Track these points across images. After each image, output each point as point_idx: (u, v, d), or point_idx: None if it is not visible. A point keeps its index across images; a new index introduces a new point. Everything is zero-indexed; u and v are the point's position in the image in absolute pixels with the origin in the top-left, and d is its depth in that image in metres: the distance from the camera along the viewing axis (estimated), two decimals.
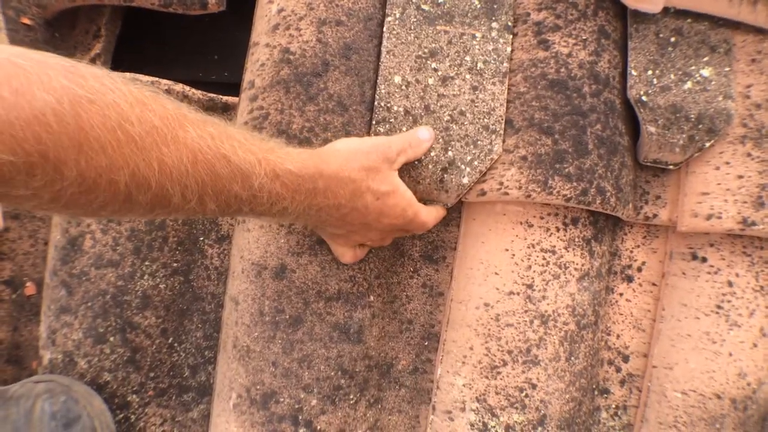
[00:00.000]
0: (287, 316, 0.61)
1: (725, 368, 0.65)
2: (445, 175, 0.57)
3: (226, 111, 0.68)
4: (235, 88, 0.71)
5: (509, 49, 0.59)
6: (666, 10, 0.64)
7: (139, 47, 0.78)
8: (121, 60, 0.76)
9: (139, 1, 0.67)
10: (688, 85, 0.62)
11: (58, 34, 0.74)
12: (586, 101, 0.60)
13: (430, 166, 0.57)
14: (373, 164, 0.50)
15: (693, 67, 0.63)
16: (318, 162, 0.46)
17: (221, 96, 0.68)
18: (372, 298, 0.64)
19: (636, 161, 0.64)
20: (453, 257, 0.65)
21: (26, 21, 0.74)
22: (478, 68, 0.58)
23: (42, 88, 0.30)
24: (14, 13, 0.74)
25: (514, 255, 0.61)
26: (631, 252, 0.68)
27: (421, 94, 0.57)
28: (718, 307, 0.65)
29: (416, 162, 0.57)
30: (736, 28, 0.67)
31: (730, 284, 0.65)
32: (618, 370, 0.68)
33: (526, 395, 0.60)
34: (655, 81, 0.62)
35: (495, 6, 0.59)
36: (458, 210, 0.65)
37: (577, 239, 0.61)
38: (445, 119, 0.57)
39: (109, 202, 0.35)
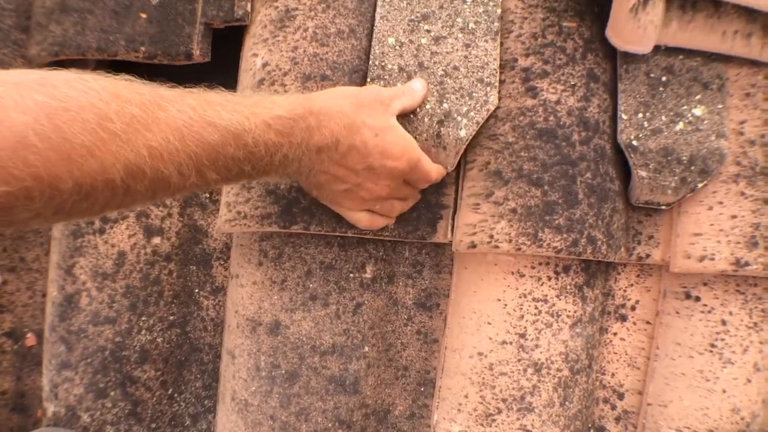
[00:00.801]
0: (283, 371, 0.62)
1: (719, 405, 0.66)
2: (442, 129, 0.57)
3: None
4: None
5: (499, 10, 0.60)
6: (657, 48, 0.63)
7: None
8: None
9: (123, 55, 0.67)
10: (680, 126, 0.62)
11: None
12: (576, 149, 0.60)
13: (426, 119, 0.57)
14: (365, 101, 0.50)
15: (685, 107, 0.63)
16: (305, 101, 0.46)
17: None
18: (367, 348, 0.65)
19: (628, 202, 0.65)
20: (446, 304, 0.66)
21: None
22: (469, 28, 0.59)
23: (18, 110, 0.31)
24: (0, 65, 0.74)
25: (506, 305, 0.62)
26: (625, 291, 0.68)
27: (415, 52, 0.59)
28: (712, 345, 0.65)
29: (411, 116, 0.57)
30: (729, 60, 0.66)
31: (723, 323, 0.65)
32: (613, 407, 0.69)
33: None
34: (645, 124, 0.61)
35: None
36: (450, 258, 0.65)
37: (569, 287, 0.62)
38: (439, 74, 0.58)
39: (110, 199, 0.36)
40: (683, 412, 0.66)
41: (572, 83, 0.61)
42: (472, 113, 0.57)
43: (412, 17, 0.60)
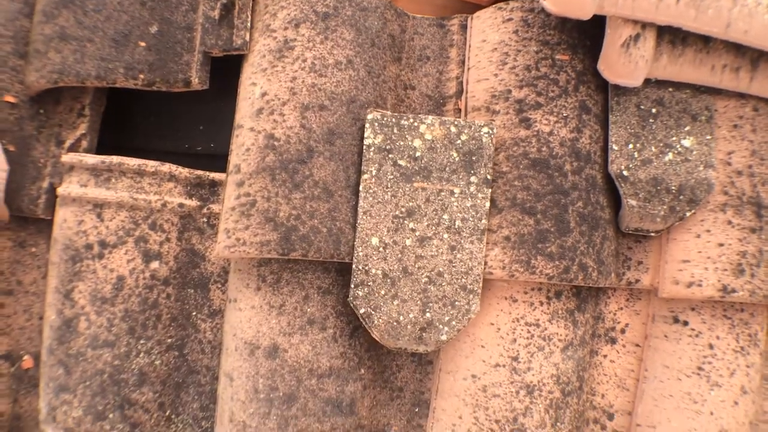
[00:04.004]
0: (281, 394, 0.67)
1: (706, 427, 0.71)
2: (424, 334, 0.63)
3: (214, 187, 0.73)
4: (221, 159, 0.75)
5: (487, 204, 0.63)
6: (647, 81, 0.69)
7: (125, 119, 0.82)
8: (107, 131, 0.80)
9: (122, 83, 0.72)
10: (669, 156, 0.67)
11: (43, 110, 0.78)
12: (568, 179, 0.65)
13: (408, 327, 0.63)
14: None
15: (674, 138, 0.68)
16: None
17: (208, 173, 0.73)
18: (363, 371, 0.69)
19: (618, 229, 0.70)
20: None
21: (9, 99, 0.78)
22: (456, 227, 0.63)
23: None
24: None
25: (499, 329, 0.67)
26: (615, 314, 0.74)
27: (399, 255, 0.62)
28: (700, 368, 0.71)
29: (395, 323, 0.63)
30: (718, 93, 0.72)
31: (711, 347, 0.71)
32: (603, 428, 0.74)
33: None
34: (636, 155, 0.67)
35: (474, 158, 0.64)
36: None
37: (560, 311, 0.67)
38: (423, 281, 0.63)
39: None
40: None
41: (565, 115, 0.66)
42: (453, 322, 0.63)
43: (397, 213, 0.63)
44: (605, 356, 0.74)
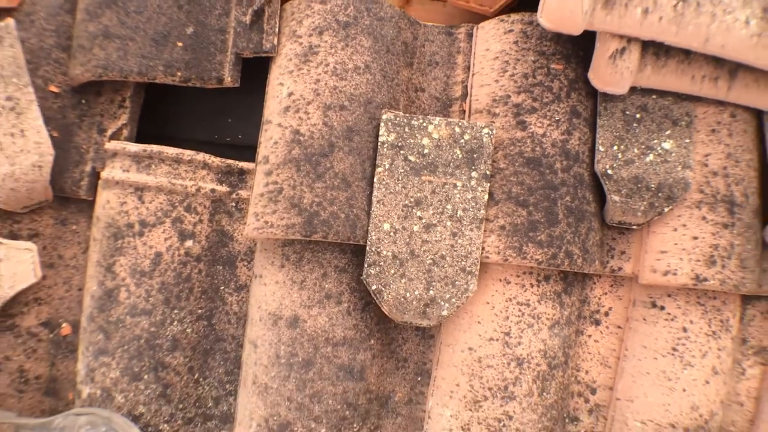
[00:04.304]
0: (300, 359, 0.78)
1: (679, 402, 0.81)
2: (427, 309, 0.73)
3: (242, 175, 0.84)
4: (248, 150, 0.85)
5: (486, 196, 0.73)
6: (633, 89, 0.78)
7: (161, 110, 0.92)
8: (145, 121, 0.91)
9: (161, 79, 0.82)
10: (650, 157, 0.77)
11: (84, 100, 0.88)
12: (558, 176, 0.75)
13: (414, 303, 0.73)
14: None
15: (655, 141, 0.78)
16: None
17: (237, 162, 0.83)
18: (372, 341, 0.80)
19: (604, 222, 0.80)
20: None
21: (53, 89, 0.88)
22: (457, 216, 0.73)
23: None
24: (42, 81, 0.88)
25: (494, 307, 0.77)
26: (599, 299, 0.84)
27: (407, 240, 0.72)
28: (674, 349, 0.81)
29: (402, 299, 0.73)
30: (698, 100, 0.81)
31: (684, 330, 0.81)
32: (587, 401, 0.84)
33: (504, 425, 0.77)
34: (620, 156, 0.76)
35: (475, 156, 0.73)
36: None
37: (548, 293, 0.77)
38: (428, 262, 0.73)
39: None
40: (647, 407, 0.82)
41: (557, 119, 0.76)
42: (453, 299, 0.73)
43: (406, 202, 0.72)
44: (590, 336, 0.84)
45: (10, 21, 0.84)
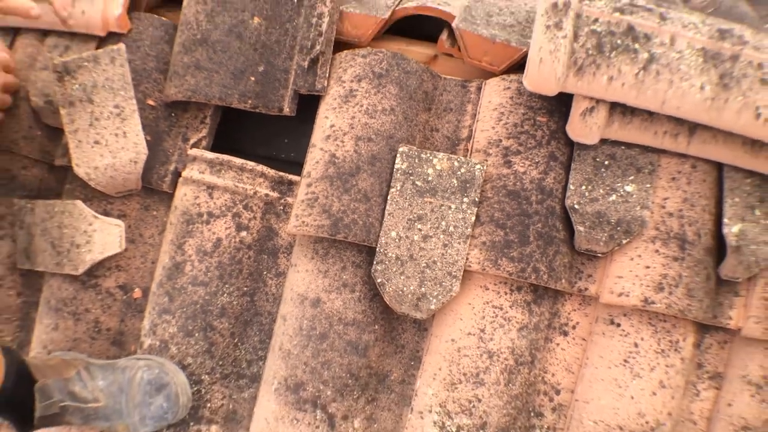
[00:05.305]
0: (317, 332, 1.06)
1: (627, 407, 1.04)
2: (419, 302, 1.01)
3: (290, 185, 1.15)
4: (297, 166, 1.17)
5: (473, 218, 1.01)
6: (604, 140, 1.04)
7: (233, 129, 1.26)
8: (220, 135, 1.24)
9: (236, 104, 1.15)
10: (613, 197, 1.02)
11: (174, 114, 1.23)
12: (533, 207, 1.01)
13: (409, 296, 1.00)
14: None
15: (619, 184, 1.03)
16: None
17: (288, 175, 1.15)
18: (376, 326, 1.07)
19: (574, 249, 1.05)
20: None
21: (151, 102, 1.23)
22: (449, 231, 1.00)
23: None
24: (142, 95, 1.24)
25: (474, 308, 1.03)
26: (569, 314, 1.08)
27: (408, 246, 1.01)
28: (625, 361, 1.04)
29: (400, 292, 1.00)
30: (663, 152, 1.06)
31: (636, 345, 1.04)
32: (551, 400, 1.08)
33: (473, 406, 1.02)
34: (587, 194, 1.02)
35: (468, 185, 1.01)
36: None
37: (519, 301, 1.03)
38: (423, 265, 1.00)
39: None
40: (600, 409, 1.05)
41: (537, 161, 1.03)
42: (440, 296, 1.01)
43: (410, 216, 1.01)
44: (558, 344, 1.08)
45: (122, 45, 1.19)
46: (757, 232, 1.00)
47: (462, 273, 1.00)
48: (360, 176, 1.04)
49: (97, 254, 1.18)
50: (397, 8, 1.14)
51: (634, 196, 1.03)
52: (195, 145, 1.20)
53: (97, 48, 1.21)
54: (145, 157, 1.16)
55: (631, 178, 1.03)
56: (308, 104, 1.18)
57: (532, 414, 1.08)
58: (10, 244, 1.26)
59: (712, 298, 1.03)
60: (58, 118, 1.20)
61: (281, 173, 1.15)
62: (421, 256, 1.00)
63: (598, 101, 0.99)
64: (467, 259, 1.01)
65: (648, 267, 1.02)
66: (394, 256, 1.01)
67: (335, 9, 1.12)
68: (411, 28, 1.23)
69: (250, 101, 1.15)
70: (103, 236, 1.19)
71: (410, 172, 1.02)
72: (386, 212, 1.02)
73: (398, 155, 1.03)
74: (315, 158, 1.07)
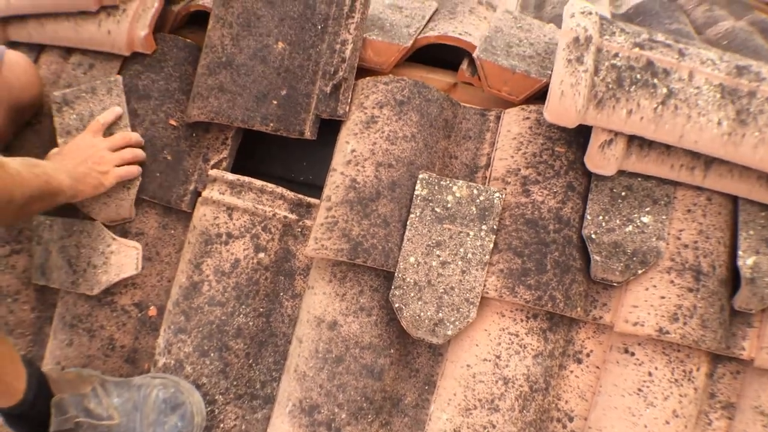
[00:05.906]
0: (333, 355, 1.10)
1: None
2: (436, 328, 1.05)
3: (309, 208, 1.20)
4: (316, 189, 1.22)
5: (491, 245, 1.06)
6: (622, 171, 1.09)
7: (254, 150, 1.31)
8: (241, 156, 1.30)
9: (258, 127, 1.20)
10: (630, 228, 1.07)
11: (195, 135, 1.28)
12: (550, 236, 1.06)
13: (426, 321, 1.05)
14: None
15: (636, 215, 1.08)
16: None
17: (307, 197, 1.20)
18: (392, 350, 1.12)
19: (590, 278, 1.09)
20: None
21: (173, 122, 1.29)
22: (467, 258, 1.05)
23: None
24: (165, 115, 1.29)
25: (490, 334, 1.08)
26: (583, 342, 1.12)
27: (427, 272, 1.05)
28: (639, 390, 1.08)
29: (417, 317, 1.05)
30: (679, 184, 1.11)
31: (650, 374, 1.08)
32: (564, 426, 1.12)
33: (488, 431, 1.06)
34: (604, 224, 1.07)
35: (486, 213, 1.07)
36: None
37: (535, 329, 1.07)
38: (440, 291, 1.05)
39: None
40: None
41: (555, 190, 1.08)
42: (457, 323, 1.06)
43: (429, 243, 1.06)
44: (572, 372, 1.13)
45: (119, 77, 1.25)
46: None
47: (479, 299, 1.05)
48: (380, 201, 1.09)
49: (113, 276, 1.22)
50: (419, 36, 1.20)
51: (650, 227, 1.08)
52: (215, 166, 1.25)
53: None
54: (138, 183, 1.21)
55: (648, 209, 1.09)
56: (329, 129, 1.23)
57: None
58: (27, 259, 1.30)
59: (726, 328, 1.08)
60: None
61: (300, 196, 1.20)
62: (439, 282, 1.05)
63: (616, 134, 1.04)
64: (485, 285, 1.06)
65: (663, 297, 1.07)
66: (412, 281, 1.05)
67: (359, 36, 1.18)
68: (430, 55, 1.29)
69: (272, 124, 1.20)
70: (120, 258, 1.24)
71: (430, 198, 1.07)
72: (405, 238, 1.07)
73: (418, 182, 1.08)
74: (335, 182, 1.13)
